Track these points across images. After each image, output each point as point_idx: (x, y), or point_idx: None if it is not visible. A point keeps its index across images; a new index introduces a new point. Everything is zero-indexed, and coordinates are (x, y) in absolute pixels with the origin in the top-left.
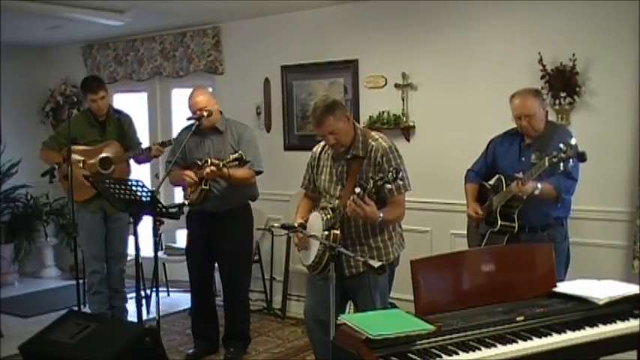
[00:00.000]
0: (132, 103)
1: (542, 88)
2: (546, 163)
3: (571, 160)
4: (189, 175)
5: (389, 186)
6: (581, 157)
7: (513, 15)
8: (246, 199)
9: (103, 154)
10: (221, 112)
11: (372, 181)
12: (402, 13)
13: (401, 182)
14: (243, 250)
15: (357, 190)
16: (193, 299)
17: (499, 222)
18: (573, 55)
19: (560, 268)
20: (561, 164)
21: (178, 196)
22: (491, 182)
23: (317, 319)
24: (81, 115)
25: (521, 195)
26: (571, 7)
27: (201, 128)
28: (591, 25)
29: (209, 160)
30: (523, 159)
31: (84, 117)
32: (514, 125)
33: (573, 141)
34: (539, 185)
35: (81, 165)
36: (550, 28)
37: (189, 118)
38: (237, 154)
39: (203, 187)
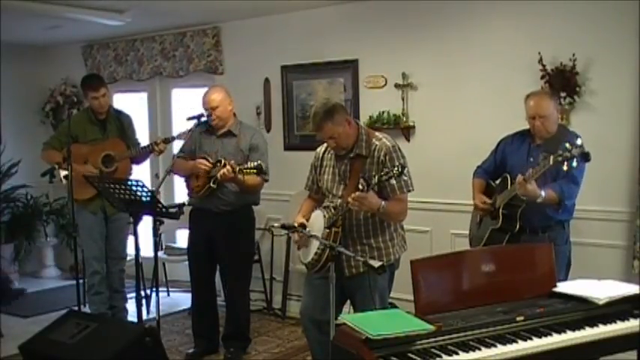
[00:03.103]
0: (132, 103)
1: (542, 88)
2: (551, 162)
3: (575, 160)
4: (204, 162)
5: (393, 182)
6: (586, 157)
7: (513, 15)
8: (248, 201)
9: (106, 152)
10: (234, 115)
11: (376, 177)
12: (402, 13)
13: (405, 180)
14: (244, 251)
15: (362, 184)
16: (194, 298)
17: (501, 219)
18: (573, 55)
19: (561, 272)
20: (565, 163)
21: (178, 196)
22: (497, 182)
23: (313, 318)
24: (81, 114)
25: (523, 194)
26: (571, 7)
27: (214, 128)
28: (591, 25)
29: (226, 162)
30: (531, 159)
31: (84, 115)
32: (516, 125)
33: (579, 141)
34: (542, 194)
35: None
36: (550, 28)
37: (189, 118)
38: (256, 163)
39: (211, 185)
